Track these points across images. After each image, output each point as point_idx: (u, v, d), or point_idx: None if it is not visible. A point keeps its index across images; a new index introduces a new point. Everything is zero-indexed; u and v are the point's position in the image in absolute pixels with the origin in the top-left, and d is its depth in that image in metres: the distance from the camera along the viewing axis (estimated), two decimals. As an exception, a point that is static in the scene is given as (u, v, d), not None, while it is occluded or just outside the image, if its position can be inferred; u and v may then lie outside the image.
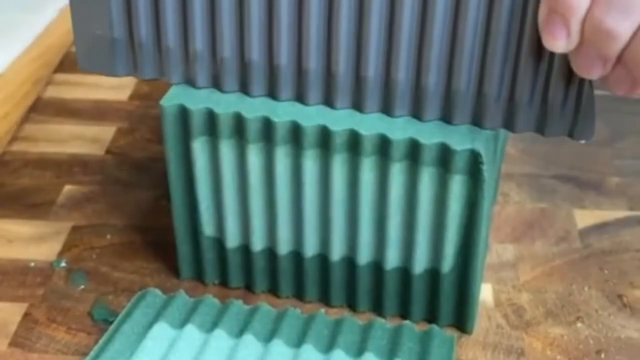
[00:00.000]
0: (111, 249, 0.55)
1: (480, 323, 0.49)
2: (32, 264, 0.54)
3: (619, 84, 0.39)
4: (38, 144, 0.65)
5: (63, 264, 0.54)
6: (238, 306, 0.49)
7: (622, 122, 0.68)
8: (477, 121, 0.44)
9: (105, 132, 0.67)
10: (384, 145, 0.44)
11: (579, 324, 0.50)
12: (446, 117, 0.44)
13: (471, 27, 0.41)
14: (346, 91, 0.44)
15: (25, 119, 0.68)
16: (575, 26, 0.37)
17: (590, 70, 0.39)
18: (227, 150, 0.46)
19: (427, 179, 0.44)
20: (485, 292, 0.52)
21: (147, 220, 0.58)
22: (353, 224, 0.47)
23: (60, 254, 0.55)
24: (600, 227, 0.57)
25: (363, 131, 0.44)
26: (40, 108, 0.70)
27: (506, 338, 0.49)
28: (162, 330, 0.47)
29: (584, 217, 0.58)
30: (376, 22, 0.42)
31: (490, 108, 0.43)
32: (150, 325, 0.47)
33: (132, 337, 0.47)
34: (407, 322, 0.48)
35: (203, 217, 0.50)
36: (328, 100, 0.45)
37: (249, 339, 0.46)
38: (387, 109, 0.44)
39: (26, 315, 0.50)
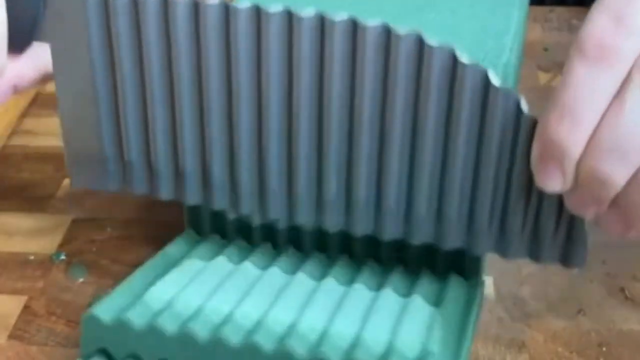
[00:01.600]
0: (111, 243, 0.55)
1: (482, 316, 0.49)
2: (32, 257, 0.54)
3: (612, 225, 0.38)
4: (38, 137, 0.65)
5: (62, 257, 0.54)
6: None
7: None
8: (468, 246, 0.44)
9: (106, 126, 0.66)
10: None
11: (580, 317, 0.50)
12: (437, 242, 0.44)
13: (460, 168, 0.41)
14: (338, 213, 0.45)
15: (25, 112, 0.68)
16: (569, 169, 0.35)
17: (583, 211, 0.38)
18: None
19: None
20: (487, 285, 0.51)
21: (147, 214, 0.57)
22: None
23: (60, 247, 0.55)
24: (603, 221, 0.57)
25: None
26: (41, 102, 0.69)
27: (508, 331, 0.49)
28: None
29: (586, 211, 0.58)
30: (365, 163, 0.42)
31: (481, 236, 0.43)
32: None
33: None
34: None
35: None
36: (319, 222, 0.45)
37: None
38: (378, 231, 0.44)
39: (26, 308, 0.50)
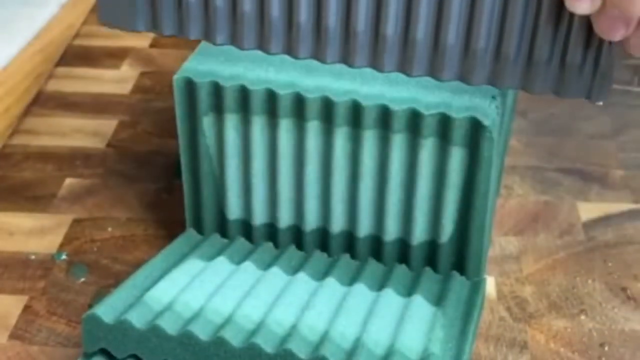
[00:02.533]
0: (112, 242, 0.55)
1: (483, 316, 0.49)
2: (33, 257, 0.54)
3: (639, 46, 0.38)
4: (39, 137, 0.65)
5: (64, 257, 0.54)
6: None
7: (626, 115, 0.67)
8: (494, 81, 0.43)
9: (107, 125, 0.66)
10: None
11: (582, 317, 0.49)
12: (464, 77, 0.43)
13: None
14: (364, 49, 0.44)
15: (27, 112, 0.68)
16: None
17: (612, 32, 0.38)
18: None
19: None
20: (488, 285, 0.51)
21: (148, 214, 0.57)
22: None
23: (61, 247, 0.55)
24: (604, 220, 0.57)
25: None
26: (42, 101, 0.69)
27: (509, 331, 0.48)
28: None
29: (588, 210, 0.57)
30: None
31: (508, 68, 0.42)
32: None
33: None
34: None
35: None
36: (346, 59, 0.44)
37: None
38: (404, 68, 0.44)
39: (26, 307, 0.50)
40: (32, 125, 0.66)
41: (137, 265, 0.53)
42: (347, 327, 0.42)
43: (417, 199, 0.47)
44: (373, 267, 0.48)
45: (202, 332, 0.40)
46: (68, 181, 0.60)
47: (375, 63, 0.44)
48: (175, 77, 0.48)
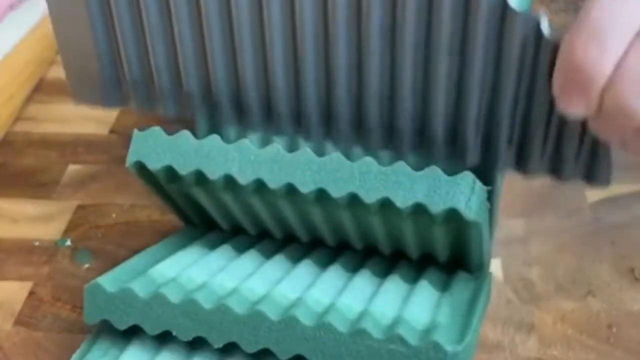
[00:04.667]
0: (116, 228, 0.55)
1: (490, 298, 0.49)
2: (37, 243, 0.54)
3: (638, 149, 0.36)
4: (42, 124, 0.65)
5: (68, 243, 0.54)
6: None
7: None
8: (487, 165, 0.43)
9: (109, 111, 0.66)
10: None
11: (590, 298, 0.49)
12: (456, 161, 0.43)
13: (477, 87, 0.40)
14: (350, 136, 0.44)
15: (29, 99, 0.67)
16: (594, 96, 0.34)
17: (607, 136, 0.36)
18: None
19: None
20: (495, 267, 0.51)
21: (152, 199, 0.57)
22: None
23: (65, 233, 0.54)
24: (612, 201, 0.56)
25: None
26: (44, 88, 0.69)
27: (516, 313, 0.48)
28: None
29: (595, 191, 0.57)
30: (377, 73, 0.41)
31: (500, 154, 0.42)
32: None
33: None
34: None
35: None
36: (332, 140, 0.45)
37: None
38: (393, 150, 0.44)
39: (31, 294, 0.50)
40: (34, 113, 0.66)
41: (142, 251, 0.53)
42: (353, 302, 0.41)
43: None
44: (377, 260, 0.47)
45: (205, 300, 0.40)
46: (71, 168, 0.60)
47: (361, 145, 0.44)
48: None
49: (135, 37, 0.44)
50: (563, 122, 0.39)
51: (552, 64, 0.35)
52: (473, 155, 0.42)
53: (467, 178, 0.41)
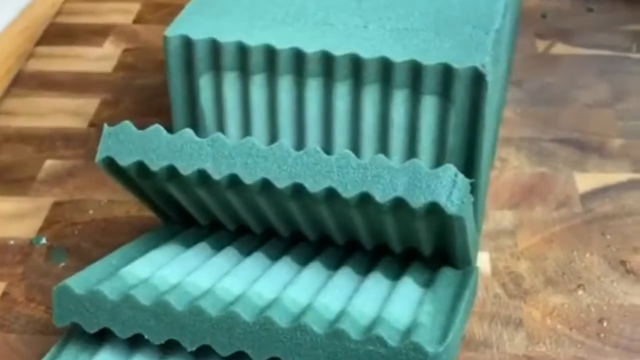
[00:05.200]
0: (93, 225, 0.53)
1: (477, 293, 0.47)
2: (12, 242, 0.52)
3: None
4: (19, 118, 0.63)
5: (43, 241, 0.52)
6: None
7: (624, 83, 0.65)
8: None
9: (89, 104, 0.64)
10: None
11: (580, 292, 0.48)
12: None
13: None
14: None
15: (6, 92, 0.66)
16: None
17: None
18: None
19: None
20: (483, 261, 0.50)
21: (130, 195, 0.55)
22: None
23: (41, 231, 0.53)
24: (603, 191, 0.55)
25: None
26: (22, 81, 0.67)
27: (504, 308, 0.47)
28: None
29: (585, 181, 0.55)
30: None
31: None
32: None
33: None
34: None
35: None
36: None
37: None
38: None
39: (4, 294, 0.48)
40: (11, 107, 0.64)
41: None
42: (332, 301, 0.40)
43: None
44: (359, 255, 0.46)
45: (178, 302, 0.38)
46: (48, 163, 0.58)
47: None
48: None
49: None
50: None
51: None
52: None
53: (449, 171, 0.39)
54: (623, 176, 0.56)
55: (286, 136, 0.48)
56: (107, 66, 0.69)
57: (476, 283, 0.46)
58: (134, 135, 0.42)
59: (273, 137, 0.48)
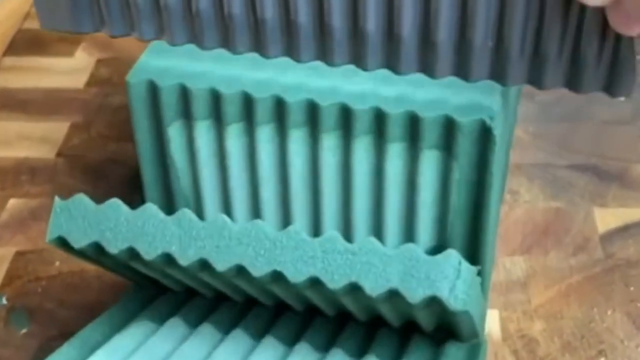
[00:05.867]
0: (59, 280, 0.48)
1: (486, 364, 0.42)
2: (-32, 303, 0.47)
3: None
4: (-20, 147, 0.58)
5: (3, 301, 0.47)
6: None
7: (647, 93, 0.59)
8: (497, 77, 0.36)
9: (57, 129, 0.59)
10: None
11: (602, 359, 0.42)
12: (461, 74, 0.36)
13: None
14: (344, 47, 0.37)
15: (-33, 116, 0.60)
16: None
17: (629, 28, 0.32)
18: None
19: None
20: (492, 321, 0.44)
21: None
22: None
23: (2, 288, 0.48)
24: (625, 231, 0.49)
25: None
26: (-16, 103, 0.62)
27: (516, 382, 0.42)
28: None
29: (606, 218, 0.50)
30: None
31: (512, 63, 0.36)
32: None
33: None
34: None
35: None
36: (325, 57, 0.37)
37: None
38: (393, 65, 0.37)
39: (-42, 370, 0.44)
40: (-27, 133, 0.59)
41: (86, 309, 0.46)
42: None
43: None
44: (354, 329, 0.41)
45: None
46: (12, 202, 0.53)
47: (357, 61, 0.37)
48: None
49: None
50: (581, 21, 0.34)
51: None
52: (480, 66, 0.36)
53: (452, 259, 0.33)
54: (647, 212, 0.50)
55: (268, 190, 0.42)
56: (79, 81, 0.63)
57: (485, 356, 0.41)
58: (88, 211, 0.37)
59: (254, 190, 0.43)
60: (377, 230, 0.42)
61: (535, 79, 0.36)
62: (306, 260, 0.34)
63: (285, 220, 0.43)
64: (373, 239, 0.34)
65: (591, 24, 0.34)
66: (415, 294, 0.33)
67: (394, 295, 0.34)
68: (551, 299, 0.45)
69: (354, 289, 0.34)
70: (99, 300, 0.47)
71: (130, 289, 0.44)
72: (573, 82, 0.36)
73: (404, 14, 0.35)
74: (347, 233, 0.43)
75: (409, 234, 0.42)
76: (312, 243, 0.34)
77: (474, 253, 0.41)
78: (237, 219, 0.44)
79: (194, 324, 0.40)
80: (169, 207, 0.45)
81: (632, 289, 0.46)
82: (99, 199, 0.53)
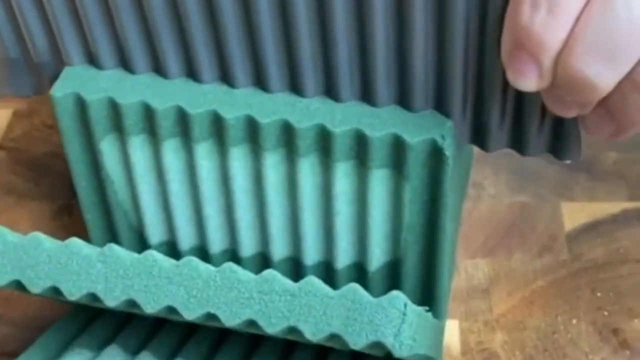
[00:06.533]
0: (-3, 292, 0.46)
1: (443, 383, 0.40)
2: None
3: (598, 127, 0.32)
4: None
5: (-62, 318, 0.44)
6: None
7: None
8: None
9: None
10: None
11: (565, 374, 0.41)
12: (402, 133, 0.35)
13: (420, 42, 0.33)
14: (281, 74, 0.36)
15: None
16: (546, 65, 0.28)
17: (564, 112, 0.31)
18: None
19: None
20: (451, 333, 0.42)
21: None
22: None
23: None
24: (593, 228, 0.47)
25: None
26: None
27: (475, 402, 0.40)
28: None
29: (574, 214, 0.47)
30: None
31: (454, 124, 0.35)
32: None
33: None
34: None
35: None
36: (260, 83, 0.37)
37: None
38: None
39: None
40: None
41: (26, 326, 0.44)
42: None
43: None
44: (301, 351, 0.39)
45: None
46: (-52, 204, 0.50)
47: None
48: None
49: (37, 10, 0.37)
50: (520, 94, 0.33)
51: (501, 27, 0.30)
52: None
53: (396, 301, 0.31)
54: (616, 207, 0.48)
55: (211, 206, 0.40)
56: (22, 63, 0.59)
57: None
58: (8, 246, 0.34)
59: (196, 206, 0.40)
60: (328, 246, 0.40)
61: (479, 142, 0.36)
62: (242, 302, 0.32)
63: (232, 236, 0.41)
64: (314, 279, 0.32)
65: (530, 99, 0.33)
66: (357, 339, 0.31)
67: (336, 338, 0.31)
68: (514, 308, 0.43)
69: (293, 331, 0.32)
70: (42, 315, 0.44)
71: (68, 308, 0.42)
72: (518, 145, 0.36)
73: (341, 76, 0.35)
74: (297, 248, 0.40)
75: (361, 250, 0.39)
76: (248, 283, 0.32)
77: (430, 267, 0.39)
78: (180, 236, 0.41)
79: (132, 351, 0.38)
80: (109, 223, 0.42)
81: (598, 294, 0.44)
82: (39, 200, 0.50)
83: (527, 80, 0.29)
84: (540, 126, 0.35)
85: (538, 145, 0.35)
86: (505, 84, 0.32)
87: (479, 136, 0.36)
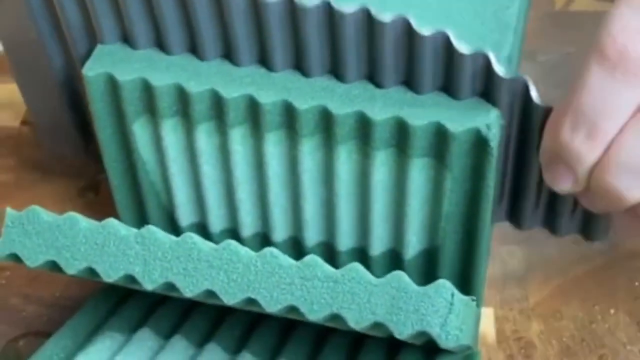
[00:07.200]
0: (25, 270, 0.45)
1: (478, 370, 0.39)
2: None
3: (629, 231, 0.35)
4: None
5: (-37, 295, 0.44)
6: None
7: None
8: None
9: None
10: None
11: (603, 365, 0.40)
12: None
13: None
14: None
15: None
16: (582, 175, 0.31)
17: (597, 210, 0.34)
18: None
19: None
20: (487, 320, 0.41)
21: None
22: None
23: (-38, 278, 0.45)
24: (631, 216, 0.46)
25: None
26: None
27: (511, 391, 0.39)
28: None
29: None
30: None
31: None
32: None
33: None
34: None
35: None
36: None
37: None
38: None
39: None
40: None
41: (54, 305, 0.43)
42: None
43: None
44: (338, 340, 0.38)
45: None
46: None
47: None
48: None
49: None
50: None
51: (541, 129, 0.33)
52: None
53: (443, 290, 0.30)
54: (655, 195, 0.47)
55: (244, 191, 0.39)
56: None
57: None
58: (43, 226, 0.33)
59: (229, 190, 0.39)
60: (363, 233, 0.39)
61: (515, 222, 0.39)
62: (283, 288, 0.31)
63: (264, 222, 0.40)
64: (357, 265, 0.31)
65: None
66: (403, 329, 0.30)
67: (379, 327, 0.31)
68: (550, 296, 0.42)
69: (336, 319, 0.31)
70: (71, 295, 0.44)
71: (97, 288, 0.41)
72: (550, 225, 0.39)
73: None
74: (332, 234, 0.39)
75: (397, 237, 0.38)
76: (290, 268, 0.31)
77: (468, 256, 0.38)
78: (212, 218, 0.40)
79: (165, 334, 0.37)
80: (139, 204, 0.41)
81: (636, 283, 0.43)
82: (65, 177, 0.49)
83: (563, 185, 0.32)
84: (572, 213, 0.38)
85: (569, 228, 0.38)
86: (541, 178, 0.34)
87: (514, 217, 0.39)
